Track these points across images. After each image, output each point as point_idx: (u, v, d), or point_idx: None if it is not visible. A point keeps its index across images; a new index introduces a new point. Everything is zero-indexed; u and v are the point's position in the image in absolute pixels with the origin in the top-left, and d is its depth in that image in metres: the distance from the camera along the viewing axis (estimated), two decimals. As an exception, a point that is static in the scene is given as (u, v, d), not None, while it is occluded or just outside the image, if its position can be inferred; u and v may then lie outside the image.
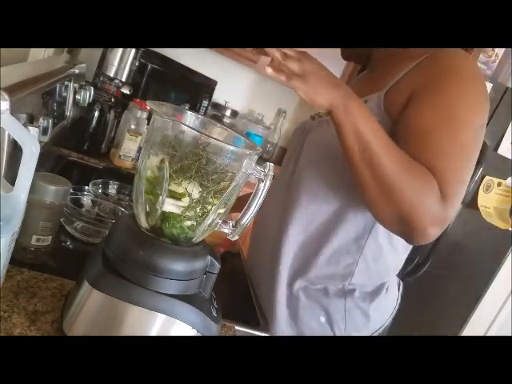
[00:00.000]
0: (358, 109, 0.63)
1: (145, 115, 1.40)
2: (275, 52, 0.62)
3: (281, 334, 0.83)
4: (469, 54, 0.73)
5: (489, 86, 1.81)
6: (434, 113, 0.66)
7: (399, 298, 0.90)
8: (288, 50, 0.63)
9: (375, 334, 0.85)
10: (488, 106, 0.70)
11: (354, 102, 0.63)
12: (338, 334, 0.81)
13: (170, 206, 0.50)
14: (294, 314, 0.82)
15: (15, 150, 0.61)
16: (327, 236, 0.80)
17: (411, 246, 0.85)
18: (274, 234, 0.86)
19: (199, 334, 0.52)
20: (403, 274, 1.01)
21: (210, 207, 0.51)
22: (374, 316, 0.83)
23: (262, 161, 0.50)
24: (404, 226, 0.64)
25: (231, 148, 0.50)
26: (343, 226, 0.78)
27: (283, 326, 0.83)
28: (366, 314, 0.82)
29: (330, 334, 0.81)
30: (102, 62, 1.53)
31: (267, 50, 0.62)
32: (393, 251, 0.81)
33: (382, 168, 0.62)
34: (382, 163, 0.62)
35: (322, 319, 0.81)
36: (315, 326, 0.81)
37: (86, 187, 0.95)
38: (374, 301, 0.82)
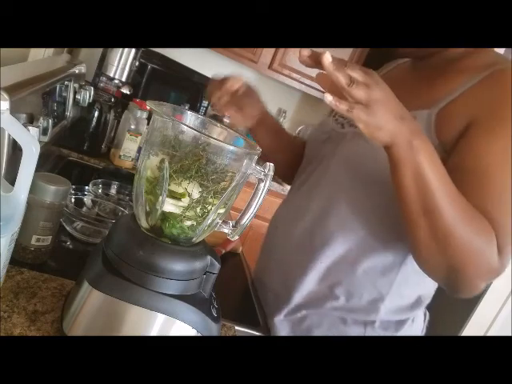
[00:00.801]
0: (423, 148, 0.54)
1: (145, 115, 1.40)
2: (339, 76, 0.50)
3: None
4: None
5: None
6: (497, 151, 0.57)
7: (424, 329, 0.82)
8: (355, 73, 0.50)
9: None
10: None
11: (419, 141, 0.53)
12: None
13: (169, 205, 0.50)
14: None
15: (15, 150, 0.61)
16: (351, 267, 0.72)
17: None
18: (292, 255, 0.78)
19: (199, 334, 0.52)
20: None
21: (210, 207, 0.51)
22: None
23: (262, 161, 0.50)
24: (451, 278, 0.59)
25: (231, 148, 0.50)
26: (370, 257, 0.70)
27: None
28: None
29: None
30: (102, 62, 1.53)
31: (330, 71, 0.50)
32: (424, 287, 0.74)
33: (440, 217, 0.55)
34: (442, 212, 0.54)
35: None
36: None
37: (86, 187, 0.95)
38: (397, 332, 0.75)
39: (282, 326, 0.78)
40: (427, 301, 0.78)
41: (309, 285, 0.75)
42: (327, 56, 0.50)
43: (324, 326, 0.75)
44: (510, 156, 0.57)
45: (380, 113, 0.51)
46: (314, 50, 0.54)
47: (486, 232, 0.56)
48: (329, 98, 0.51)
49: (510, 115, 0.57)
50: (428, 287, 0.76)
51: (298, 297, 0.76)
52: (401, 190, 0.56)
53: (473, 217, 0.56)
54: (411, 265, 0.69)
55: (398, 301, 0.72)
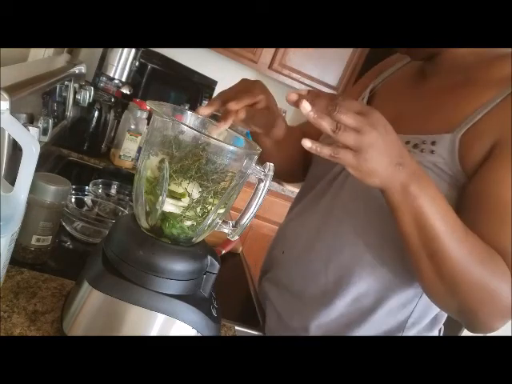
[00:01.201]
0: (423, 192, 0.50)
1: (145, 115, 1.40)
2: (322, 124, 0.46)
3: None
4: None
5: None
6: None
7: None
8: (345, 116, 0.46)
9: None
10: None
11: (417, 185, 0.50)
12: None
13: (169, 205, 0.50)
14: None
15: (15, 150, 0.61)
16: (371, 305, 0.67)
17: None
18: (306, 289, 0.72)
19: (199, 334, 0.52)
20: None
21: (210, 207, 0.51)
22: None
23: (262, 161, 0.50)
24: (465, 317, 0.56)
25: (231, 148, 0.50)
26: (391, 294, 0.66)
27: None
28: None
29: None
30: (102, 62, 1.53)
31: (312, 120, 0.47)
32: (442, 312, 0.70)
33: (446, 261, 0.52)
34: (448, 256, 0.52)
35: None
36: None
37: (86, 187, 0.95)
38: None
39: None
40: (444, 318, 0.74)
41: (326, 322, 0.70)
42: (305, 106, 0.46)
43: None
44: None
45: (372, 159, 0.47)
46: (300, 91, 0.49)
47: (500, 272, 0.52)
48: (307, 144, 0.48)
49: None
50: (446, 314, 0.73)
51: (313, 333, 0.71)
52: (402, 235, 0.54)
53: (484, 257, 0.52)
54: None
55: (416, 327, 0.69)
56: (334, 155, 0.47)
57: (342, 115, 0.46)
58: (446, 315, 0.74)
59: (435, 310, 0.70)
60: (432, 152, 0.57)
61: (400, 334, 0.68)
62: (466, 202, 0.55)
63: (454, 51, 0.64)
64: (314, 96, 0.48)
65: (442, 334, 0.78)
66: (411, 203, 0.50)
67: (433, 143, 0.57)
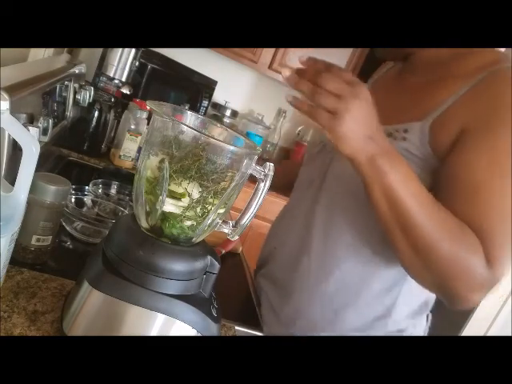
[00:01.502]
0: (393, 168, 0.54)
1: (145, 115, 1.40)
2: (300, 86, 0.51)
3: None
4: None
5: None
6: (489, 162, 0.56)
7: (426, 331, 0.81)
8: (332, 81, 0.50)
9: None
10: None
11: (384, 157, 0.54)
12: None
13: (170, 206, 0.50)
14: None
15: (15, 150, 0.61)
16: (357, 289, 0.70)
17: None
18: (298, 276, 0.75)
19: (199, 334, 0.52)
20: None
21: (210, 207, 0.51)
22: None
23: (261, 161, 0.50)
24: (444, 292, 0.59)
25: (231, 148, 0.50)
26: (376, 277, 0.69)
27: None
28: None
29: None
30: (102, 62, 1.53)
31: (291, 85, 0.51)
32: (426, 292, 0.71)
33: (418, 232, 0.55)
34: (420, 229, 0.55)
35: None
36: None
37: (86, 187, 0.95)
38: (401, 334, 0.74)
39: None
40: (431, 304, 0.77)
41: (313, 309, 0.72)
42: (284, 73, 0.51)
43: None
44: (499, 167, 0.56)
45: (346, 124, 0.51)
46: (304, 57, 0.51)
47: (470, 245, 0.55)
48: (286, 73, 0.51)
49: (501, 124, 0.56)
50: (433, 298, 0.76)
51: (303, 322, 0.74)
52: (375, 211, 0.57)
53: (456, 232, 0.55)
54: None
55: (404, 311, 0.71)
56: (311, 112, 0.51)
57: (332, 81, 0.50)
58: (433, 300, 0.76)
59: (422, 294, 0.71)
60: (404, 139, 0.61)
61: (388, 320, 0.70)
62: (439, 184, 0.59)
63: (427, 50, 0.67)
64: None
65: (429, 322, 0.81)
66: (381, 179, 0.54)
67: (405, 131, 0.62)
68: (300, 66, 0.53)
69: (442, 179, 0.59)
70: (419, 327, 0.77)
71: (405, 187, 0.54)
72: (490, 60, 0.61)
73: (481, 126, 0.57)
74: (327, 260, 0.71)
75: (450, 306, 0.60)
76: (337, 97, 0.50)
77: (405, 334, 0.74)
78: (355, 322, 0.71)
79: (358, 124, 0.52)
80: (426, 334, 0.81)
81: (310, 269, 0.72)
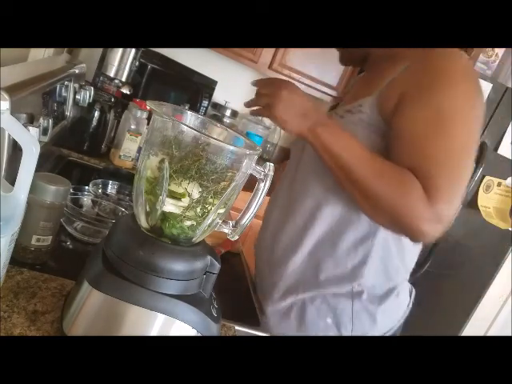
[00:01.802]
0: (327, 132, 0.69)
1: (145, 115, 1.40)
2: (254, 102, 0.75)
3: (281, 333, 0.83)
4: (462, 51, 0.72)
5: (489, 86, 1.81)
6: (421, 114, 0.68)
7: (410, 305, 0.88)
8: (262, 89, 0.74)
9: None
10: (482, 103, 0.71)
11: (323, 127, 0.69)
12: (345, 335, 0.80)
13: (170, 206, 0.50)
14: (301, 313, 0.82)
15: (15, 150, 0.61)
16: (334, 239, 0.79)
17: (420, 248, 0.85)
18: (281, 243, 0.85)
19: (199, 334, 0.52)
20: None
21: (210, 207, 0.51)
22: (382, 319, 0.81)
23: (261, 161, 0.50)
24: (399, 228, 0.68)
25: (231, 148, 0.50)
26: (349, 228, 0.78)
27: (288, 325, 0.83)
28: (374, 317, 0.80)
29: (336, 334, 0.80)
30: (102, 62, 1.53)
31: (254, 105, 0.76)
32: (401, 251, 0.81)
33: (359, 179, 0.67)
34: (359, 175, 0.67)
35: (329, 320, 0.80)
36: (322, 326, 0.81)
37: (86, 187, 0.95)
38: (382, 304, 0.81)
39: (275, 311, 0.85)
40: (408, 271, 0.86)
41: (301, 262, 0.82)
42: (244, 104, 0.78)
43: (315, 303, 0.81)
44: (433, 119, 0.67)
45: (280, 111, 0.70)
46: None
47: (408, 182, 0.65)
48: (245, 104, 0.78)
49: (432, 85, 0.68)
50: (407, 254, 0.83)
51: (289, 280, 0.83)
52: (325, 164, 0.72)
53: (389, 172, 0.67)
54: (385, 230, 0.77)
55: (379, 265, 0.80)
56: (258, 110, 0.75)
57: (262, 88, 0.75)
58: (411, 268, 0.86)
59: (396, 254, 0.80)
60: (360, 112, 0.75)
61: (364, 269, 0.79)
62: (389, 143, 0.71)
63: (377, 50, 0.83)
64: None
65: (413, 297, 0.90)
66: (322, 144, 0.69)
67: (359, 106, 0.76)
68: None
69: (390, 139, 0.71)
70: (401, 297, 0.85)
71: (341, 145, 0.69)
72: (442, 53, 0.72)
73: (416, 88, 0.69)
74: (309, 219, 0.81)
75: (412, 239, 0.70)
76: (267, 95, 0.72)
77: (385, 300, 0.81)
78: (335, 271, 0.80)
79: (288, 107, 0.70)
80: (409, 307, 0.88)
81: (296, 229, 0.83)
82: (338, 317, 0.80)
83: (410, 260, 0.85)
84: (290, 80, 2.43)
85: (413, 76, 0.71)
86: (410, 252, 0.83)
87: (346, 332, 0.80)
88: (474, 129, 0.69)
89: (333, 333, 0.80)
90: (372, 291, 0.81)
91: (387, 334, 0.84)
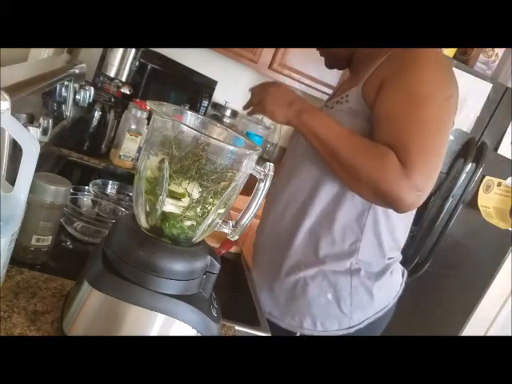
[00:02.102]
0: (311, 116, 0.78)
1: (145, 115, 1.40)
2: (249, 107, 0.89)
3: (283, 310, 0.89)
4: None
5: (489, 86, 1.81)
6: (396, 96, 0.75)
7: (403, 284, 0.96)
8: (254, 91, 0.89)
9: (379, 314, 0.89)
10: (452, 85, 0.78)
11: (306, 113, 0.79)
12: (345, 310, 0.86)
13: (170, 206, 0.50)
14: (304, 290, 0.87)
15: (15, 150, 0.61)
16: (331, 219, 0.86)
17: (410, 223, 0.93)
18: (281, 225, 0.92)
19: (199, 334, 0.52)
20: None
21: (209, 207, 0.51)
22: (378, 295, 0.88)
23: (261, 161, 0.50)
24: (382, 199, 0.75)
25: (231, 148, 0.50)
26: (344, 207, 0.85)
27: (289, 301, 0.89)
28: (370, 292, 0.87)
29: (336, 310, 0.86)
30: (102, 62, 1.53)
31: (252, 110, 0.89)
32: (391, 227, 0.88)
33: (340, 156, 0.75)
34: (340, 152, 0.75)
35: (330, 296, 0.86)
36: (323, 302, 0.86)
37: (86, 187, 0.95)
38: (378, 280, 0.88)
39: (278, 289, 0.91)
40: (399, 248, 0.93)
41: (301, 242, 0.89)
42: (242, 107, 0.92)
43: (316, 280, 0.87)
44: (409, 98, 0.74)
45: (269, 104, 0.82)
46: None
47: (381, 154, 0.72)
48: (243, 108, 0.91)
49: (404, 72, 0.76)
50: (398, 231, 0.90)
51: (291, 259, 0.89)
52: (314, 150, 0.80)
53: (366, 147, 0.74)
54: (378, 209, 0.85)
55: (373, 240, 0.87)
56: (253, 110, 0.88)
57: (253, 92, 0.89)
58: (402, 243, 0.94)
59: (388, 230, 0.87)
60: (347, 101, 0.84)
61: (359, 243, 0.86)
62: (372, 125, 0.78)
63: (360, 51, 0.90)
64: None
65: (405, 277, 0.98)
66: (307, 127, 0.79)
67: (347, 96, 0.84)
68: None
69: (373, 121, 0.78)
70: (395, 276, 0.93)
71: (324, 127, 0.77)
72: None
73: (393, 75, 0.77)
74: (306, 201, 0.88)
75: (396, 210, 0.76)
76: (256, 95, 0.87)
77: (380, 277, 0.88)
78: (333, 249, 0.87)
79: (275, 99, 0.82)
80: (402, 286, 0.95)
81: (294, 212, 0.90)
82: (338, 292, 0.86)
83: (399, 236, 0.92)
84: (290, 80, 2.46)
85: (391, 64, 0.79)
86: (399, 228, 0.90)
87: (345, 307, 0.86)
88: (444, 108, 0.76)
89: (333, 308, 0.86)
90: (368, 268, 0.88)
91: (383, 310, 0.90)
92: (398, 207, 0.74)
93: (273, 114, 0.81)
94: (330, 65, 0.99)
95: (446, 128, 0.76)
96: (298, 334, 0.88)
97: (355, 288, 0.86)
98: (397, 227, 0.89)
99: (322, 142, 0.77)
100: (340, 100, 0.86)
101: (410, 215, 0.91)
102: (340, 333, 0.87)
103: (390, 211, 0.83)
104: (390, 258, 0.91)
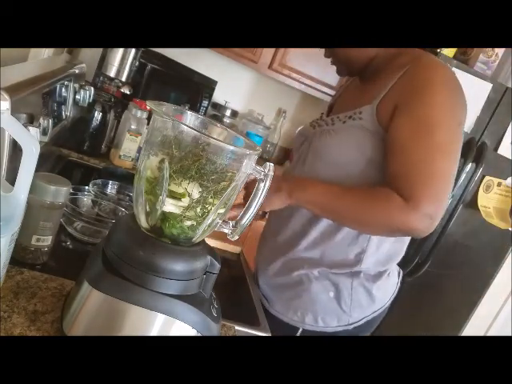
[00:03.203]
0: (302, 191, 0.79)
1: (145, 115, 1.40)
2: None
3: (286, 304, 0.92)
4: (443, 63, 0.82)
5: (489, 86, 1.81)
6: (408, 124, 0.76)
7: (399, 284, 0.99)
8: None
9: (376, 313, 0.93)
10: (463, 109, 0.79)
11: (296, 190, 0.79)
12: (345, 308, 0.89)
13: (170, 206, 0.50)
14: (308, 287, 0.90)
15: (15, 150, 0.61)
16: (336, 232, 0.87)
17: (409, 237, 0.94)
18: (288, 231, 0.94)
19: (199, 334, 0.52)
20: (403, 275, 1.04)
21: (209, 207, 0.51)
22: (376, 295, 0.91)
23: (261, 161, 0.50)
24: (398, 234, 0.79)
25: (231, 148, 0.50)
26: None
27: (293, 297, 0.91)
28: (370, 293, 0.90)
29: (337, 308, 0.89)
30: (102, 62, 1.53)
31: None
32: (394, 240, 0.90)
33: (344, 214, 0.79)
34: (342, 211, 0.79)
35: (331, 294, 0.89)
36: (325, 299, 0.89)
37: (86, 187, 0.95)
38: (376, 282, 0.91)
39: (277, 287, 0.94)
40: (399, 256, 0.95)
41: (302, 249, 0.91)
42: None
43: (319, 278, 0.89)
44: (417, 125, 0.75)
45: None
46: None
47: (383, 197, 0.75)
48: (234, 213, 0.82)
49: (419, 99, 0.76)
50: (399, 243, 0.93)
51: (295, 258, 0.91)
52: (317, 215, 0.85)
53: (365, 196, 0.77)
54: None
55: (375, 253, 0.89)
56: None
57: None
58: (401, 253, 0.95)
59: (389, 244, 0.89)
60: (360, 118, 0.83)
61: (364, 255, 0.88)
62: (385, 149, 0.79)
63: (374, 61, 0.90)
64: None
65: (401, 277, 1.00)
66: (304, 202, 0.80)
67: (360, 113, 0.83)
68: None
69: (385, 146, 0.79)
70: (391, 278, 0.95)
71: (319, 194, 0.79)
72: (414, 56, 0.82)
73: (406, 101, 0.77)
74: (307, 214, 0.89)
75: (415, 237, 0.79)
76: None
77: (378, 279, 0.91)
78: (336, 258, 0.89)
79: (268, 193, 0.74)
80: (398, 286, 0.98)
81: (301, 221, 0.91)
82: (339, 291, 0.89)
83: (400, 248, 0.94)
84: (290, 80, 2.46)
85: (405, 85, 0.79)
86: (401, 241, 0.93)
87: (346, 305, 0.89)
88: (456, 133, 0.76)
89: (334, 305, 0.89)
90: (367, 272, 0.91)
91: (380, 310, 0.93)
92: (415, 236, 0.76)
93: (270, 205, 0.80)
94: (342, 72, 0.96)
95: (456, 152, 0.76)
96: (300, 329, 0.91)
97: (355, 288, 0.89)
98: (399, 240, 0.92)
99: (323, 208, 0.79)
100: (353, 116, 0.85)
101: None
102: (339, 329, 0.90)
103: None
104: (388, 265, 0.94)
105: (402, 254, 0.96)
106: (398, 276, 1.00)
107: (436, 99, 0.75)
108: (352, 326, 0.90)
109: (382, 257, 0.91)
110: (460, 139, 0.78)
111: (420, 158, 0.74)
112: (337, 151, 0.84)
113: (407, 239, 0.95)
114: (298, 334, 0.91)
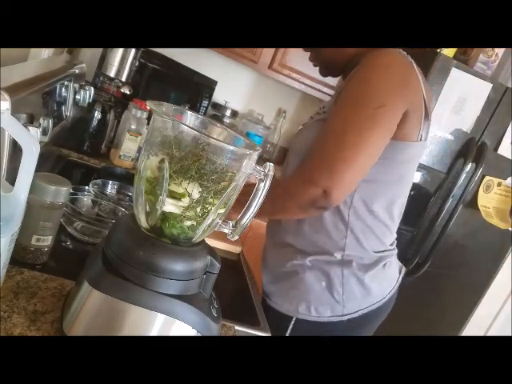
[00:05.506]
0: None
1: (145, 115, 1.40)
2: None
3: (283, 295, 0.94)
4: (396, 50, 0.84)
5: (489, 86, 1.81)
6: (334, 108, 0.82)
7: (399, 279, 0.99)
8: None
9: (373, 307, 0.92)
10: (396, 92, 0.78)
11: None
12: (337, 298, 0.90)
13: (170, 206, 0.50)
14: (301, 277, 0.91)
15: (15, 150, 0.61)
16: (319, 221, 0.91)
17: (396, 217, 0.95)
18: (282, 226, 0.98)
19: (199, 334, 0.52)
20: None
21: (209, 207, 0.51)
22: (371, 286, 0.90)
23: (261, 161, 0.50)
24: (317, 211, 0.85)
25: (231, 148, 0.50)
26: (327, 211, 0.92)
27: (289, 288, 0.93)
28: (362, 282, 0.90)
29: (329, 298, 0.90)
30: (102, 62, 1.53)
31: None
32: (377, 222, 0.91)
33: (265, 211, 0.76)
34: (264, 209, 0.76)
35: (323, 284, 0.90)
36: (317, 289, 0.90)
37: (86, 187, 0.95)
38: (369, 271, 0.91)
39: (279, 275, 0.97)
40: (385, 244, 0.95)
41: (295, 241, 0.94)
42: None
43: (312, 269, 0.91)
44: (335, 109, 0.81)
45: None
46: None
47: (280, 193, 0.83)
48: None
49: (351, 81, 0.80)
50: (384, 224, 0.92)
51: (289, 251, 0.94)
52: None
53: (274, 195, 0.78)
54: (359, 206, 0.89)
55: (359, 236, 0.90)
56: None
57: None
58: (389, 240, 0.96)
59: (368, 217, 0.90)
60: (324, 112, 0.89)
61: (345, 240, 0.90)
62: None
63: (353, 60, 0.91)
64: None
65: (403, 273, 1.01)
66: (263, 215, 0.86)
67: (323, 107, 0.91)
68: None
69: None
70: (389, 270, 0.95)
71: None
72: (375, 53, 0.82)
73: (343, 93, 0.82)
74: None
75: (321, 210, 0.84)
76: None
77: (371, 269, 0.91)
78: (324, 245, 0.91)
79: None
80: (398, 281, 0.98)
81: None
82: (331, 280, 0.90)
83: (388, 230, 0.94)
84: (290, 80, 2.47)
85: (347, 83, 0.83)
86: (385, 222, 0.92)
87: (338, 295, 0.89)
88: (372, 116, 0.77)
89: (326, 295, 0.90)
90: (360, 261, 0.91)
91: (377, 304, 0.92)
92: (330, 205, 0.80)
93: None
94: (325, 73, 0.99)
95: (367, 134, 0.77)
96: (293, 318, 0.92)
97: (347, 277, 0.90)
98: (382, 221, 0.92)
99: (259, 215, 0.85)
100: (319, 111, 0.92)
101: (397, 213, 0.94)
102: (333, 319, 0.90)
103: (371, 208, 0.88)
104: (378, 252, 0.94)
105: (391, 237, 0.96)
106: (400, 272, 1.00)
107: (363, 81, 0.79)
108: (346, 318, 0.90)
109: (368, 241, 0.91)
110: (380, 123, 0.77)
111: (320, 134, 0.81)
112: (302, 143, 0.89)
113: (388, 218, 0.94)
114: (292, 323, 0.92)
